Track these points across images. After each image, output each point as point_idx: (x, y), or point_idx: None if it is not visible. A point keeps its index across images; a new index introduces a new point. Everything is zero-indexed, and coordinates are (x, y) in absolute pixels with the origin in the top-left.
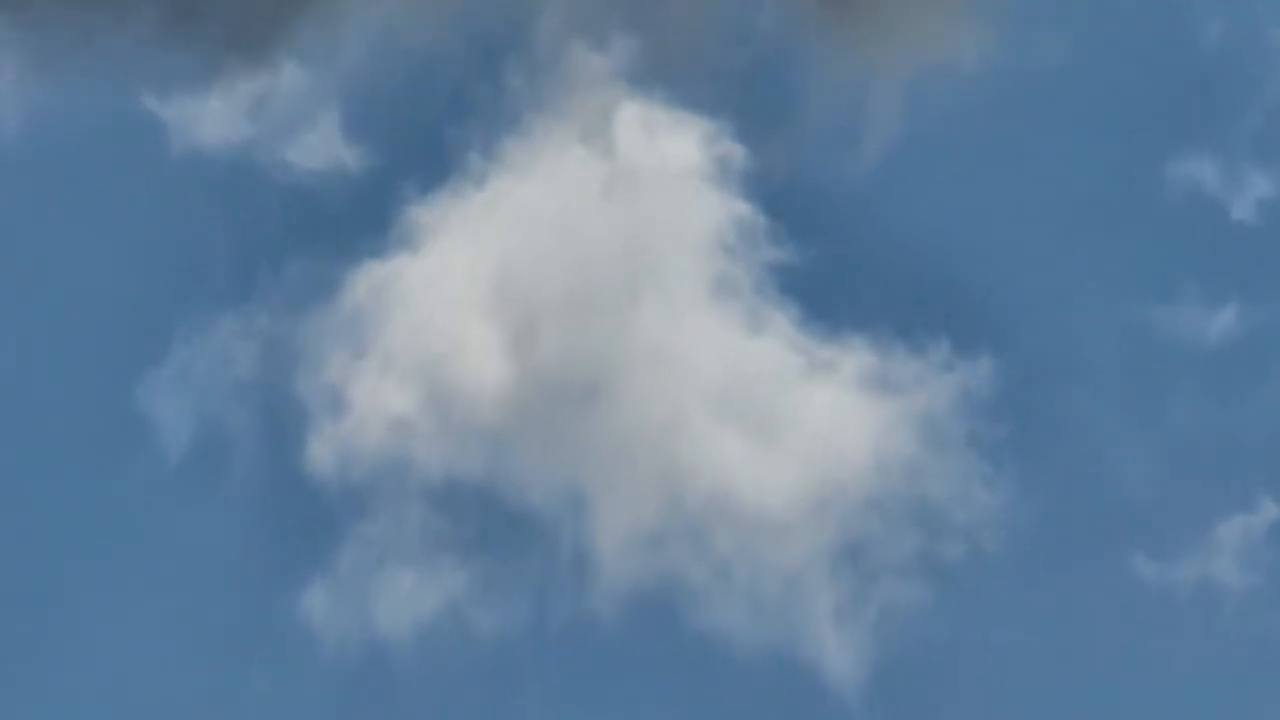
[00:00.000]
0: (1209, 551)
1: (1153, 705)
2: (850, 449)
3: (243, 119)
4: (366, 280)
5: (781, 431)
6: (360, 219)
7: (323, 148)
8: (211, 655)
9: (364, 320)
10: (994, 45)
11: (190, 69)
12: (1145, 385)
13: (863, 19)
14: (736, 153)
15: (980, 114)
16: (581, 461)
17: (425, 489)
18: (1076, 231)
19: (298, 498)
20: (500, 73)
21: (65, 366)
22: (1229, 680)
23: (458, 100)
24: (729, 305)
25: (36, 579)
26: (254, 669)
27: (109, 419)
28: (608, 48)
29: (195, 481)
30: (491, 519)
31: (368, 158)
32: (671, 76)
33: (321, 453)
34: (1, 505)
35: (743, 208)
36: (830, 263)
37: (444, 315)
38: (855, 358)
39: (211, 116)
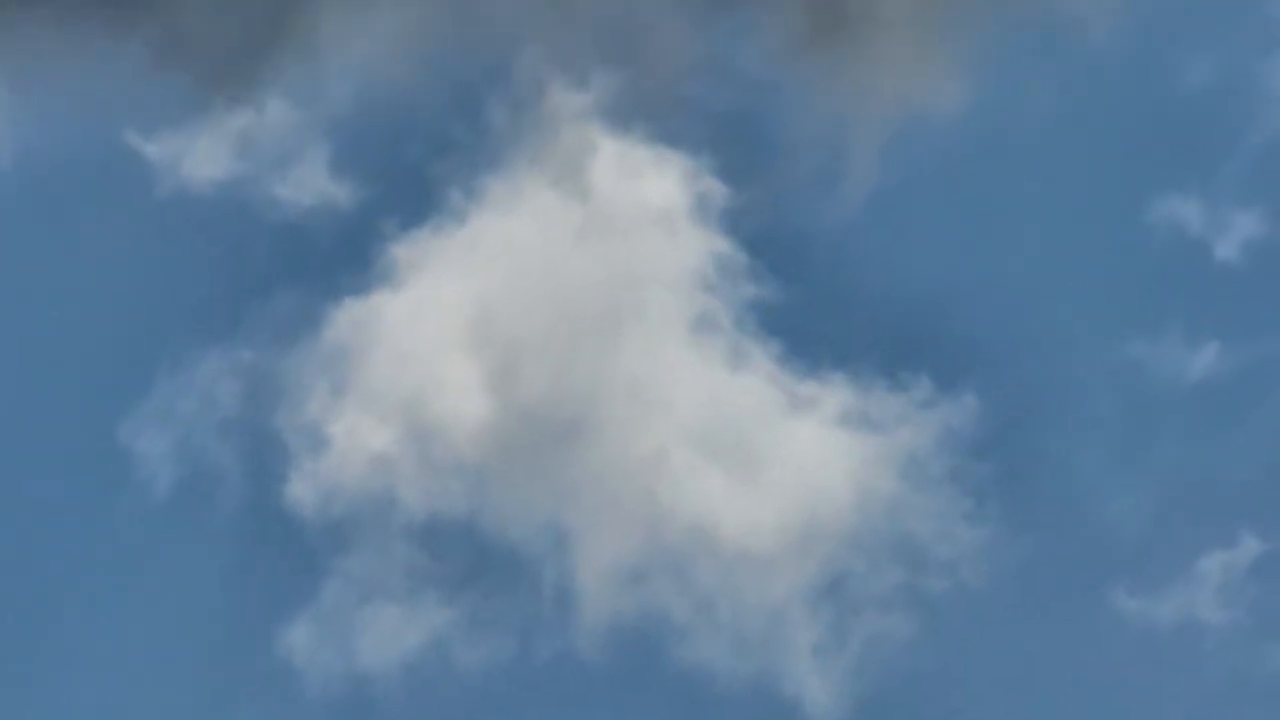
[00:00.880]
0: (1191, 587)
1: None
2: (832, 485)
3: (225, 156)
4: (348, 316)
5: (763, 467)
6: (342, 255)
7: (305, 185)
8: (196, 692)
9: (346, 356)
10: (977, 86)
11: (173, 104)
12: (1128, 422)
13: (846, 59)
14: (717, 190)
15: (964, 154)
16: (563, 497)
17: (407, 525)
18: (1060, 270)
19: (280, 533)
20: (481, 110)
21: (49, 401)
22: (1210, 716)
23: (439, 137)
24: (710, 341)
25: (18, 614)
26: (239, 706)
27: (92, 454)
28: (588, 85)
29: (178, 517)
30: (473, 555)
31: (349, 194)
32: (652, 113)
33: (304, 489)
34: None
35: (723, 244)
36: (812, 300)
37: (426, 351)
38: (836, 394)
39: (195, 153)
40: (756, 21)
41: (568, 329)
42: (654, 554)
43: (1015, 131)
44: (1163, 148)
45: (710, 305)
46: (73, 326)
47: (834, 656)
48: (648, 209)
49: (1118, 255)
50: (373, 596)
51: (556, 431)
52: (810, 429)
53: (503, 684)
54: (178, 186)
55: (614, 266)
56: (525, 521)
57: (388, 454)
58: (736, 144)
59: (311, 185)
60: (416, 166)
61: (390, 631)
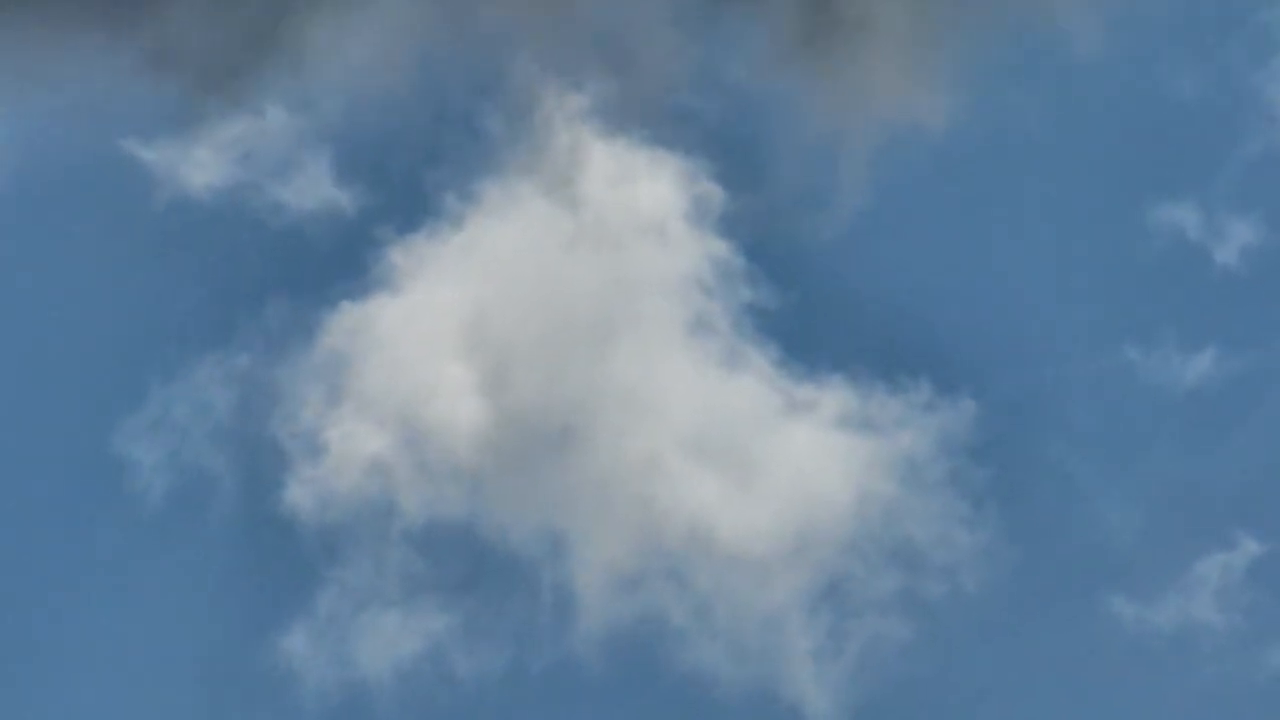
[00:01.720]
0: (1188, 592)
1: None
2: (829, 489)
3: (218, 163)
4: (343, 323)
5: (759, 471)
6: (336, 262)
7: (299, 192)
8: (193, 700)
9: (341, 362)
10: (974, 94)
11: (166, 112)
12: (1125, 428)
13: (839, 67)
14: (712, 194)
15: (961, 160)
16: (559, 502)
17: (403, 531)
18: (1058, 276)
19: (275, 540)
20: (476, 117)
21: (43, 410)
22: (1207, 718)
23: (433, 144)
24: (706, 345)
25: (13, 621)
26: (235, 714)
27: (86, 462)
28: (582, 91)
29: (173, 525)
30: (470, 561)
31: (344, 201)
32: (648, 118)
33: (299, 495)
34: None
35: (719, 248)
36: (808, 303)
37: (421, 357)
38: (834, 398)
39: (189, 162)
40: (749, 31)
41: (563, 333)
42: (651, 558)
43: (1011, 138)
44: (1159, 156)
45: (706, 309)
46: (66, 334)
47: (832, 661)
48: (642, 214)
49: (1115, 262)
50: (369, 603)
51: (552, 436)
52: (807, 432)
53: (501, 690)
54: (172, 195)
55: (609, 271)
56: (522, 527)
57: (383, 460)
58: (731, 150)
59: (306, 192)
60: (411, 173)
61: (387, 638)
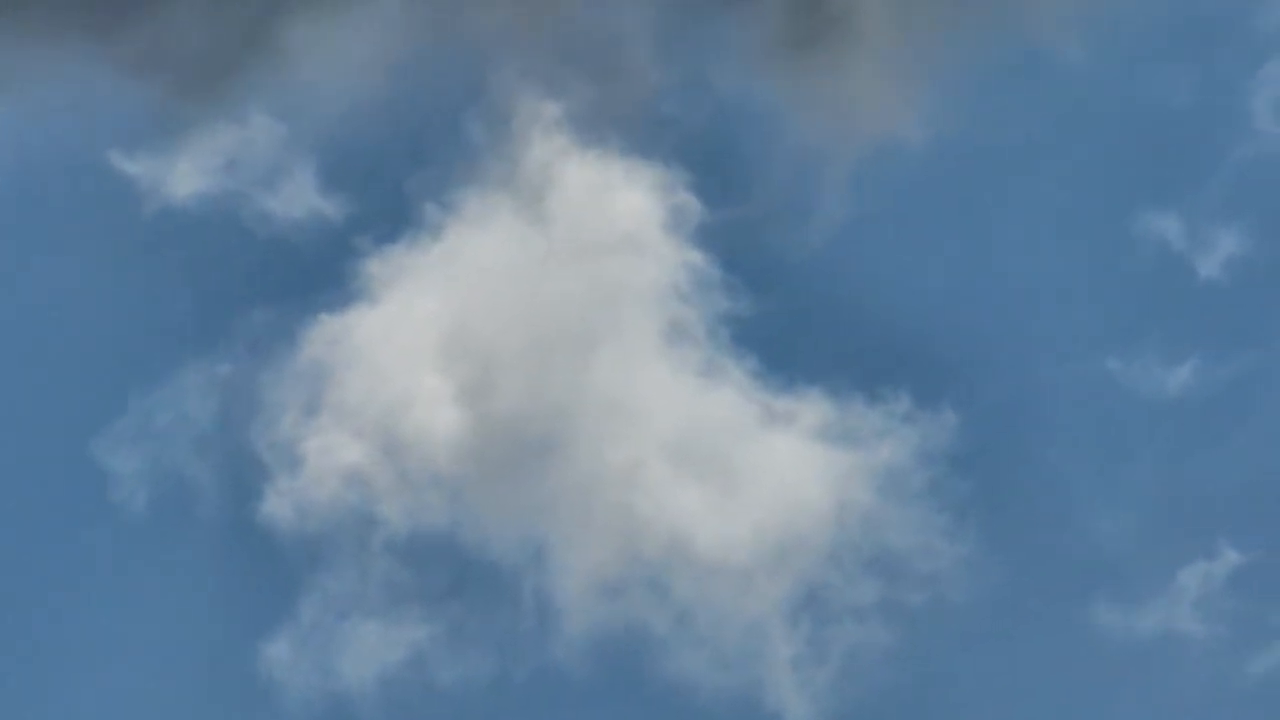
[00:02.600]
0: (1170, 600)
1: None
2: (809, 498)
3: (198, 173)
4: (323, 332)
5: (739, 480)
6: (317, 271)
7: (280, 202)
8: (175, 710)
9: (321, 372)
10: (959, 103)
11: (149, 119)
12: (1107, 437)
13: (822, 75)
14: (691, 204)
15: (946, 170)
16: (540, 511)
17: (384, 540)
18: (1040, 286)
19: (257, 550)
20: (456, 125)
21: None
22: None
23: (414, 152)
24: (684, 355)
25: None
26: None
27: (67, 471)
28: (562, 99)
29: (154, 534)
30: (452, 570)
31: (324, 211)
32: (627, 128)
33: (280, 504)
34: None
35: (697, 257)
36: (787, 313)
37: (401, 366)
38: (814, 408)
39: (168, 170)
40: (730, 38)
41: (543, 343)
42: (632, 567)
43: (994, 148)
44: (1143, 166)
45: (684, 318)
46: (49, 342)
47: (813, 669)
48: (621, 223)
49: (1098, 272)
50: (351, 612)
51: (532, 445)
52: (787, 442)
53: (483, 699)
54: (153, 204)
55: (588, 280)
56: (502, 536)
57: (363, 469)
58: (711, 159)
59: (287, 202)
60: (391, 181)
61: (370, 647)
